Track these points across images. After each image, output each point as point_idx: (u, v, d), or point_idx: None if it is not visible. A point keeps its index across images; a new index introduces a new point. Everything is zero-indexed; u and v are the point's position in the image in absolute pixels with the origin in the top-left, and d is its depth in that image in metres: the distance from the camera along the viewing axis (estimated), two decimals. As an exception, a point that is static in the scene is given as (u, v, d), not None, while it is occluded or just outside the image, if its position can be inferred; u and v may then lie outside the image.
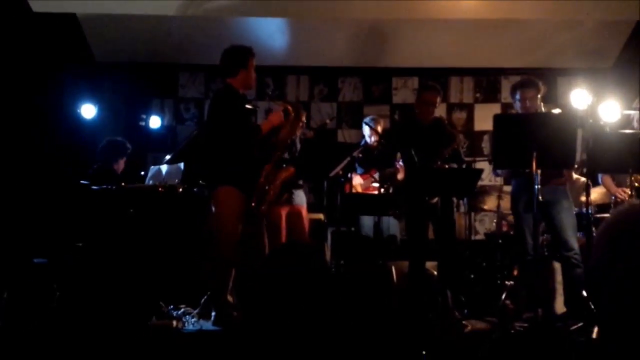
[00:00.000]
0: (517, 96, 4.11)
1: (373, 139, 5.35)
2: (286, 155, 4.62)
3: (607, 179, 4.58)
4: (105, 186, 4.25)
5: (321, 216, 5.28)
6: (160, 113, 6.58)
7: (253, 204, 3.91)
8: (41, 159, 5.62)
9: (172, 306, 3.88)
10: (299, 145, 4.70)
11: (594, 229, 4.36)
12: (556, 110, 4.95)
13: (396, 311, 3.97)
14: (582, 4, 5.59)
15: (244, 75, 3.90)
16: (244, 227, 3.87)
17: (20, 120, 5.61)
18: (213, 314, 3.78)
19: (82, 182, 4.50)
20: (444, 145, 4.35)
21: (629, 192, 4.34)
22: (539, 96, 4.09)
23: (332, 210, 4.93)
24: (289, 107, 4.18)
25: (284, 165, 4.63)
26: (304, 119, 4.97)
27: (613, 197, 4.60)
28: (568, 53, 6.32)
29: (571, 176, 4.23)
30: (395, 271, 4.74)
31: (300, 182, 4.93)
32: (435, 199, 4.32)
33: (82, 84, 6.23)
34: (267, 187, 4.06)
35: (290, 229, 4.80)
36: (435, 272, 4.56)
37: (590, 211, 4.33)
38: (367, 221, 5.41)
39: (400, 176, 4.77)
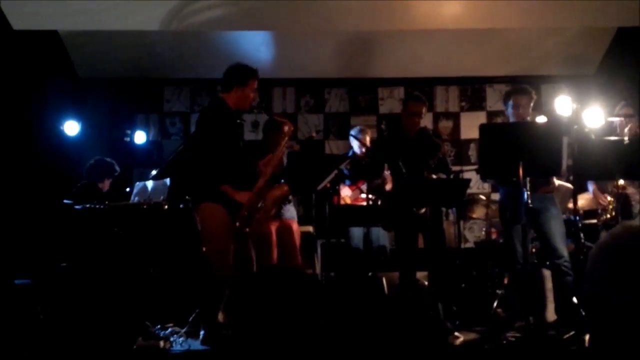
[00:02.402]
0: (510, 102, 4.08)
1: (360, 150, 5.33)
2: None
3: (595, 188, 4.60)
4: (89, 205, 4.19)
5: (310, 228, 5.25)
6: (145, 128, 6.54)
7: (238, 224, 3.80)
8: (24, 177, 5.54)
9: (159, 326, 3.81)
10: (285, 160, 4.66)
11: (582, 235, 4.37)
12: (541, 118, 4.98)
13: (387, 322, 3.93)
14: (564, 12, 5.63)
15: (238, 94, 3.83)
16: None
17: (2, 138, 5.54)
18: (202, 332, 3.71)
19: (66, 200, 4.43)
20: (430, 156, 4.34)
21: (610, 199, 4.36)
22: (531, 104, 4.09)
23: (321, 222, 4.90)
24: (288, 126, 4.19)
25: (281, 181, 4.58)
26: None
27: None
28: (551, 60, 6.37)
29: (553, 182, 4.23)
30: (386, 282, 4.73)
31: (290, 197, 4.89)
32: (424, 209, 4.31)
33: (65, 101, 6.17)
34: (258, 205, 3.95)
35: (281, 244, 4.73)
36: (426, 283, 4.54)
37: (577, 218, 4.35)
38: (357, 232, 5.38)
39: (388, 187, 4.75)
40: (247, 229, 3.91)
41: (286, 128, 4.25)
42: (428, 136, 4.48)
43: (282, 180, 4.65)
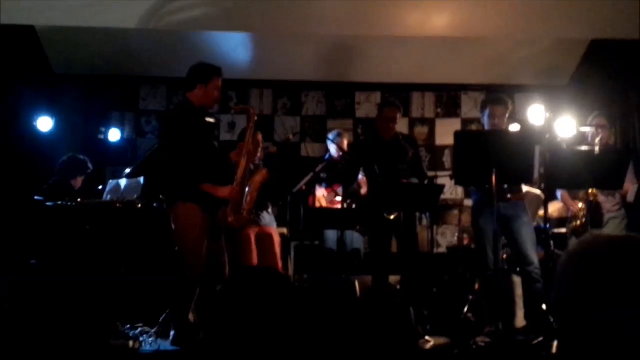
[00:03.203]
0: (487, 112, 4.12)
1: (337, 154, 5.36)
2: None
3: (565, 194, 4.68)
4: (60, 202, 4.13)
5: (285, 230, 5.25)
6: (120, 126, 6.46)
7: (230, 219, 3.79)
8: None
9: (128, 325, 3.77)
10: (259, 164, 4.66)
11: (552, 243, 4.46)
12: (515, 127, 5.07)
13: (359, 326, 3.95)
14: (539, 23, 5.74)
15: (202, 92, 3.81)
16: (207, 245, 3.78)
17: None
18: (172, 333, 3.68)
19: (36, 197, 4.36)
20: (401, 161, 4.39)
21: (581, 206, 4.45)
22: (506, 114, 4.14)
23: (296, 225, 4.91)
24: (251, 110, 4.09)
25: (260, 165, 4.55)
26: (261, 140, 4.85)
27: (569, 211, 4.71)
28: (525, 70, 6.47)
29: (522, 189, 4.31)
30: (358, 285, 4.75)
31: (269, 205, 4.90)
32: (398, 214, 4.34)
33: (39, 96, 6.07)
34: (243, 196, 3.91)
35: (260, 251, 4.71)
36: (399, 287, 4.57)
37: (548, 226, 4.42)
38: (331, 235, 5.40)
39: (363, 191, 4.78)
40: (242, 224, 3.89)
41: (251, 112, 4.14)
42: (399, 142, 4.51)
43: (261, 166, 4.65)
